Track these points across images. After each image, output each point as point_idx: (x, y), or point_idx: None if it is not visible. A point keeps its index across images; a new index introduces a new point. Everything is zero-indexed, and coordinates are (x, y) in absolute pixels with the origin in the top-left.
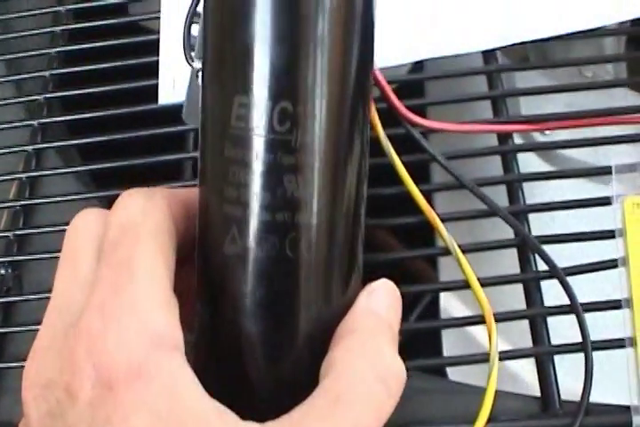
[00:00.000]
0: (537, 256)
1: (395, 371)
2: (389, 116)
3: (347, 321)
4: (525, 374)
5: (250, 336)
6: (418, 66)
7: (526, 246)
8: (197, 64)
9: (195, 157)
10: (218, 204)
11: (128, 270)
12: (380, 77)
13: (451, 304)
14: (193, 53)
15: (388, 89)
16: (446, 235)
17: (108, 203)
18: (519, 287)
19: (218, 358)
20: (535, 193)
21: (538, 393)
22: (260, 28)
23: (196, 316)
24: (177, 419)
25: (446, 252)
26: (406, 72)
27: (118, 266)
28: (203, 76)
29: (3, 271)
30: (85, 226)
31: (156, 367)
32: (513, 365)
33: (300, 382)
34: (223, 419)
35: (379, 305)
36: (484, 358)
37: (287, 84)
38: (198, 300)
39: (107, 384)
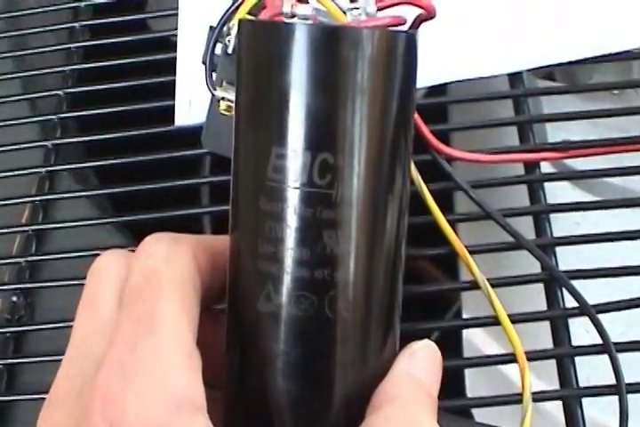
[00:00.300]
0: (565, 291)
1: None
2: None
3: (385, 386)
4: (555, 413)
5: (282, 399)
6: (440, 89)
7: (554, 282)
8: (219, 92)
9: (212, 181)
10: (252, 259)
11: (149, 326)
12: None
13: (474, 333)
14: (214, 75)
15: (416, 115)
16: (477, 270)
17: (125, 228)
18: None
19: (247, 419)
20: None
21: None
22: (297, 74)
23: (225, 373)
24: None
25: (474, 286)
26: (422, 96)
27: (139, 320)
28: (236, 121)
29: (14, 299)
30: (107, 269)
31: None
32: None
33: None
34: None
35: (419, 370)
36: (513, 400)
37: (328, 135)
38: (228, 357)
39: None
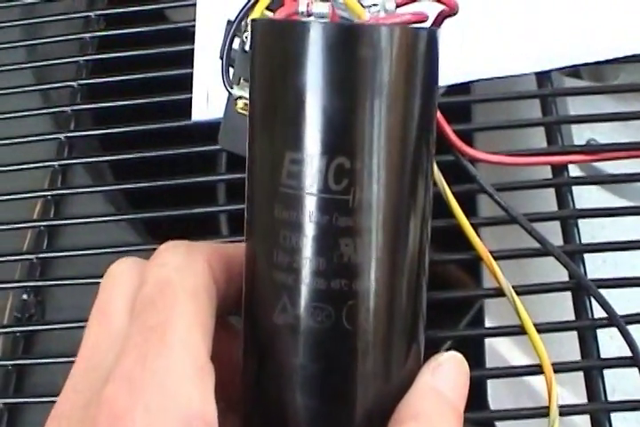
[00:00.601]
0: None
1: None
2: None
3: (408, 402)
4: (581, 423)
5: (301, 413)
6: (463, 88)
7: (582, 290)
8: (236, 91)
9: (229, 178)
10: (267, 269)
11: (160, 338)
12: None
13: (497, 339)
14: (231, 74)
15: (439, 115)
16: (502, 277)
17: (140, 225)
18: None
19: None
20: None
21: None
22: (312, 75)
23: (242, 385)
24: None
25: (498, 293)
26: (441, 95)
27: (150, 332)
28: (250, 125)
29: (25, 297)
30: (121, 277)
31: None
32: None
33: None
34: None
35: (444, 384)
36: (539, 414)
37: (343, 138)
38: (244, 370)
39: None
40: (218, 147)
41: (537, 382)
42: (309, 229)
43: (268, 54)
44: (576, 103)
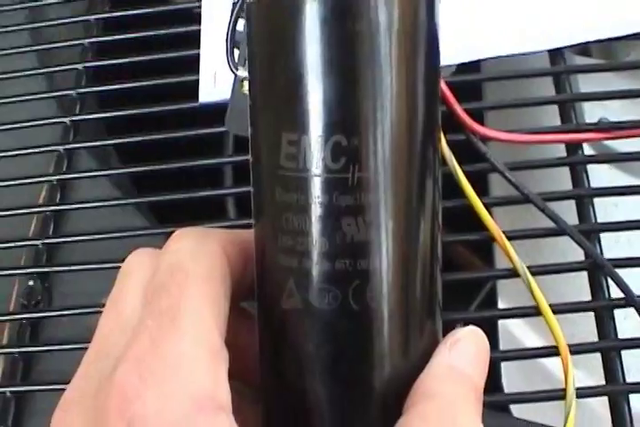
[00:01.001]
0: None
1: None
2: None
3: (424, 381)
4: (598, 409)
5: (318, 397)
6: (473, 66)
7: (598, 270)
8: (242, 72)
9: (235, 161)
10: (273, 254)
11: (171, 321)
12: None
13: (510, 321)
14: (236, 55)
15: (449, 93)
16: (516, 257)
17: (147, 210)
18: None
19: (284, 416)
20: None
21: None
22: (306, 50)
23: (259, 370)
24: None
25: (512, 274)
26: (451, 73)
27: (161, 315)
28: (250, 109)
29: (31, 283)
30: (136, 269)
31: None
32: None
33: None
34: None
35: (463, 361)
36: (555, 396)
37: (338, 115)
38: (261, 356)
39: None
40: (224, 129)
41: (552, 365)
42: (310, 211)
43: (262, 34)
44: (587, 82)
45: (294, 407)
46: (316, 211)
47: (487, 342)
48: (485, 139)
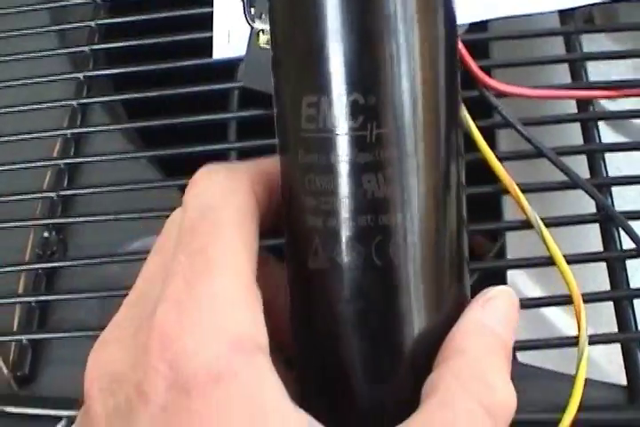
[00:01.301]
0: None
1: (505, 403)
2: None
3: (455, 337)
4: (608, 360)
5: (348, 354)
6: (481, 26)
7: (611, 222)
8: (258, 24)
9: (240, 116)
10: (299, 215)
11: (205, 261)
12: None
13: (517, 276)
14: (253, 10)
15: (463, 49)
16: (529, 207)
17: (157, 163)
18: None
19: (315, 374)
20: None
21: (623, 382)
22: (322, 17)
23: (291, 328)
24: None
25: (522, 225)
26: (462, 33)
27: (195, 255)
28: (273, 72)
29: (46, 234)
30: (176, 214)
31: (237, 373)
32: (594, 349)
33: (400, 401)
34: None
35: (495, 319)
36: (567, 343)
37: (355, 74)
38: (292, 314)
39: (183, 389)
40: (231, 85)
41: (554, 316)
42: (332, 170)
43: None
44: (591, 46)
45: (327, 364)
46: (337, 169)
47: (518, 302)
48: (498, 94)
